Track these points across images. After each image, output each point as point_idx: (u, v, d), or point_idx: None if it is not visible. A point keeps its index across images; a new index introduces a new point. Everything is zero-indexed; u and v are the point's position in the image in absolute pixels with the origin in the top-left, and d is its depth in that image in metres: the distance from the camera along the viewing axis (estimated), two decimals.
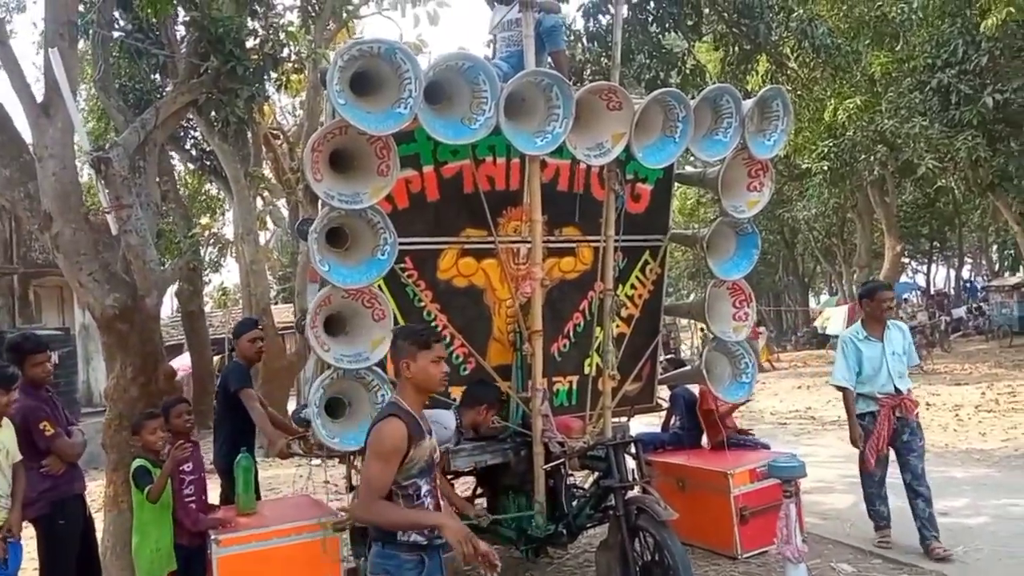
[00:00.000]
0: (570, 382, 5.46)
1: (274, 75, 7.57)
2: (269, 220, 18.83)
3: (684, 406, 6.36)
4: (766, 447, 6.25)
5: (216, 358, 17.18)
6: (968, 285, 38.56)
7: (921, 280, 38.75)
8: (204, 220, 19.16)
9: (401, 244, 4.41)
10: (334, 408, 4.59)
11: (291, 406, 12.37)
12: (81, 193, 5.88)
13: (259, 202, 16.05)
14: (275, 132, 15.54)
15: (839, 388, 5.62)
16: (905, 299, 29.60)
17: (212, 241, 16.70)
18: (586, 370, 5.46)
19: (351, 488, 6.00)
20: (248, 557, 4.19)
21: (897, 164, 14.19)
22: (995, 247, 35.12)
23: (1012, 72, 12.26)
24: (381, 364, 4.45)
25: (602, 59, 9.86)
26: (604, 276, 5.14)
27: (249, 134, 11.16)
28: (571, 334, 5.41)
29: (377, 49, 4.06)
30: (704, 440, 6.38)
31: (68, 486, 4.34)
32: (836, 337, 25.67)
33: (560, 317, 5.31)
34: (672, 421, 6.51)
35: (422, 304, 4.91)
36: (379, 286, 4.50)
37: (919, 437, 5.49)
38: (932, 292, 35.47)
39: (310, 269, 13.04)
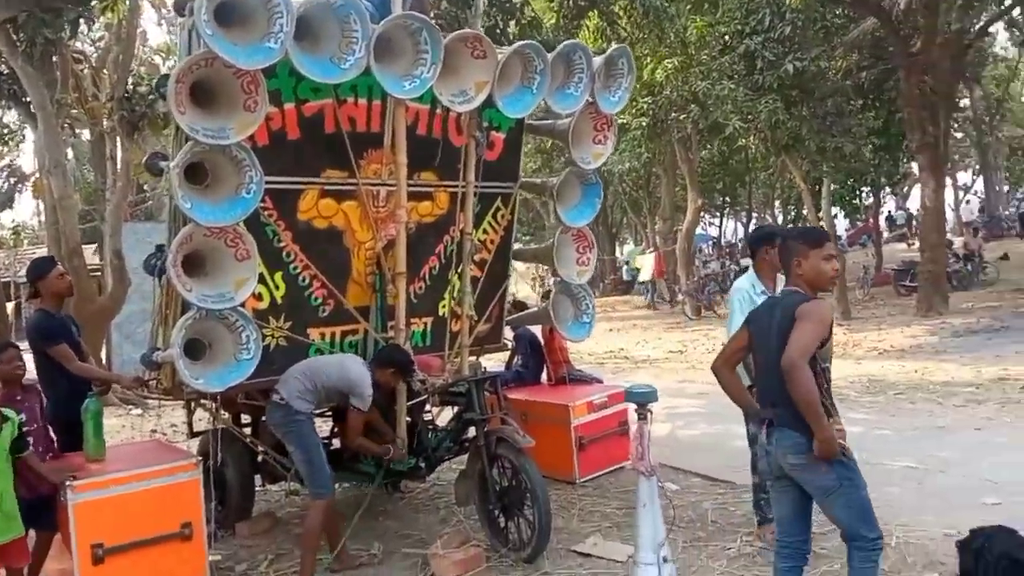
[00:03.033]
0: (425, 323, 5.61)
1: None
2: (70, 152, 17.27)
3: (528, 345, 6.72)
4: (600, 381, 6.76)
5: (10, 305, 15.61)
6: None
7: (714, 232, 41.83)
8: None
9: None
10: (192, 350, 4.49)
11: (103, 353, 11.66)
12: None
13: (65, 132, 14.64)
14: (77, 56, 14.21)
15: None
16: (700, 249, 31.83)
17: (6, 174, 15.07)
18: (440, 312, 5.63)
19: (193, 434, 5.88)
20: (107, 503, 4.06)
21: (707, 123, 15.27)
22: (778, 203, 38.54)
23: (810, 41, 13.54)
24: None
25: (443, 3, 9.88)
26: (464, 220, 5.32)
27: (55, 57, 10.17)
28: (427, 277, 5.54)
29: None
30: (544, 377, 6.79)
31: None
32: (643, 283, 27.39)
33: (417, 260, 5.40)
34: (515, 360, 6.86)
35: (282, 244, 4.85)
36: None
37: None
38: (723, 243, 38.42)
39: (124, 208, 12.25)
